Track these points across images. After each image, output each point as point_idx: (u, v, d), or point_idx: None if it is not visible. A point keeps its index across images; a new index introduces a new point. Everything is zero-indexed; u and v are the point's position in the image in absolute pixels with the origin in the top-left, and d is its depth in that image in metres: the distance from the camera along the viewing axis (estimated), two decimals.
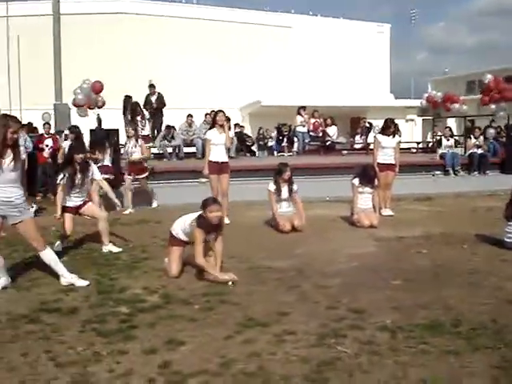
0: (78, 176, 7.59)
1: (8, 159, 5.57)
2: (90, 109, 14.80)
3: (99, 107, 15.03)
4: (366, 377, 3.71)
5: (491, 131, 17.32)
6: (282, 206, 9.11)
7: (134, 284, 5.92)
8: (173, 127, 17.06)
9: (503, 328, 4.57)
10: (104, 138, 12.21)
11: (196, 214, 6.14)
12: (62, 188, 7.58)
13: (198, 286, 5.82)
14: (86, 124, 14.26)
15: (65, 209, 7.60)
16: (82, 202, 7.71)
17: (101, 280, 6.08)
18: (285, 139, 19.49)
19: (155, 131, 16.98)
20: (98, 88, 14.59)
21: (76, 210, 7.71)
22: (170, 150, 16.94)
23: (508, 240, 7.54)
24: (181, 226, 6.31)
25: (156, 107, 16.89)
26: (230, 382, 3.65)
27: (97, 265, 6.83)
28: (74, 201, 7.65)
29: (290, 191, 9.06)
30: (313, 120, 19.30)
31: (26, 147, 12.32)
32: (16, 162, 5.62)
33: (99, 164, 10.62)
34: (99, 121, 14.89)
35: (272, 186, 9.07)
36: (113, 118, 15.77)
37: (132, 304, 5.22)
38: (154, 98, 16.90)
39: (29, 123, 16.01)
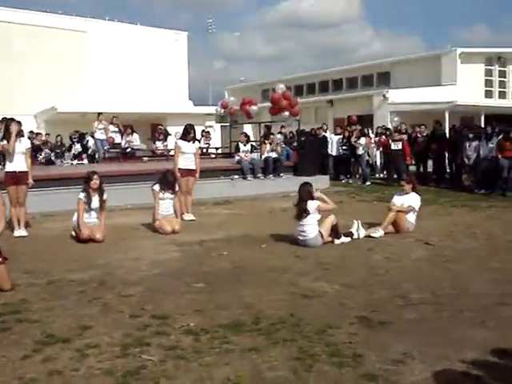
0: None
1: None
2: None
3: None
4: (172, 382, 3.74)
5: (278, 136, 18.46)
6: (91, 215, 8.80)
7: None
8: None
9: (299, 321, 4.87)
10: None
11: None
12: None
13: None
14: None
15: None
16: None
17: None
18: (76, 146, 18.84)
19: None
20: None
21: None
22: None
23: (300, 238, 8.08)
24: None
25: None
26: None
27: None
28: None
29: (101, 201, 8.82)
30: (111, 134, 18.98)
31: None
32: None
33: None
34: None
35: (82, 195, 8.72)
36: None
37: None
38: None
39: None
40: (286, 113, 17.56)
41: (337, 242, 8.23)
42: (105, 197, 8.88)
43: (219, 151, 22.98)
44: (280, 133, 19.46)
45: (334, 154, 19.06)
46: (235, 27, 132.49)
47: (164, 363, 4.03)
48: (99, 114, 18.99)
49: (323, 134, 20.10)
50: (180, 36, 33.66)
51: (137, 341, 4.43)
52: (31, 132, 19.26)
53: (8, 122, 9.48)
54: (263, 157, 16.49)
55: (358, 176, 18.63)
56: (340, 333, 4.59)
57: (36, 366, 4.01)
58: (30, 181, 9.42)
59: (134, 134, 19.69)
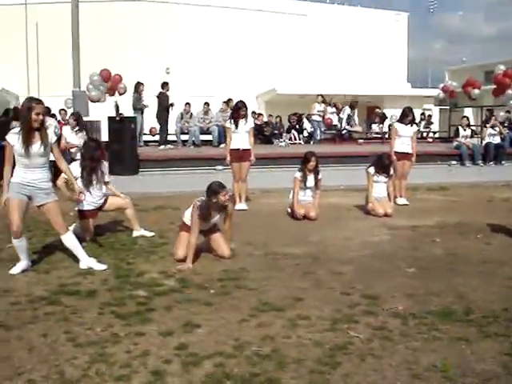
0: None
1: (37, 144, 5.67)
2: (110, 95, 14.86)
3: (120, 94, 15.07)
4: (378, 361, 3.79)
5: (501, 114, 17.29)
6: (306, 194, 9.12)
7: (151, 268, 6.02)
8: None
9: None
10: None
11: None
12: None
13: (214, 271, 5.91)
14: (103, 111, 14.36)
15: (82, 213, 7.41)
16: (102, 201, 7.60)
17: (119, 264, 6.19)
18: (294, 128, 19.39)
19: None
20: (106, 75, 14.55)
21: (97, 212, 7.63)
22: (184, 137, 16.96)
23: None
24: (189, 213, 6.44)
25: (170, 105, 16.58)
26: (244, 364, 3.73)
27: (114, 250, 6.92)
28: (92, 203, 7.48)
29: (316, 180, 9.11)
30: (329, 115, 19.32)
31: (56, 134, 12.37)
32: (45, 146, 5.73)
33: None
34: (117, 108, 14.95)
35: (299, 174, 9.08)
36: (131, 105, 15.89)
37: (149, 288, 5.33)
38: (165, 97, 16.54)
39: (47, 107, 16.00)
40: (510, 91, 16.45)
41: None
42: (320, 176, 9.12)
43: (436, 135, 22.26)
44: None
45: None
46: (457, 6, 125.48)
47: (371, 342, 4.09)
48: (318, 95, 19.37)
49: None
50: (400, 17, 33.07)
51: (345, 317, 4.55)
52: (253, 112, 20.29)
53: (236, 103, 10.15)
54: (484, 142, 15.66)
55: None
56: None
57: (251, 330, 4.31)
58: (252, 158, 9.99)
59: (347, 107, 19.70)
